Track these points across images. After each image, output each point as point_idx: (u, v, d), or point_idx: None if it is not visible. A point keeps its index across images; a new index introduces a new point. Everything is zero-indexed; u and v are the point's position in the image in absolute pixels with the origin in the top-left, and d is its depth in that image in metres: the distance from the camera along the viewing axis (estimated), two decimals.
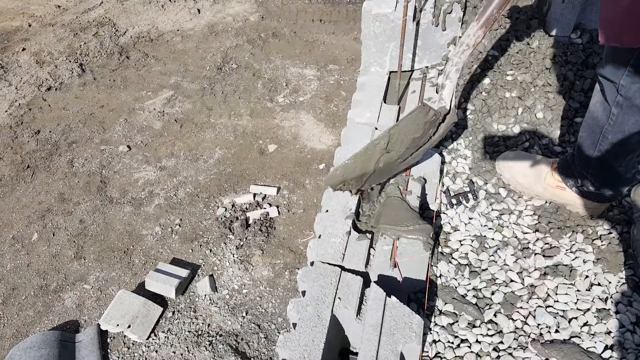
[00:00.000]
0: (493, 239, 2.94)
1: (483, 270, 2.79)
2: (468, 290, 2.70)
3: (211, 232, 3.80)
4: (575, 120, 3.46)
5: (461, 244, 2.96)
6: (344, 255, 2.64)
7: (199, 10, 6.62)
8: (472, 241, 2.96)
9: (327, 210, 3.04)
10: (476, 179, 3.33)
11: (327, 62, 5.48)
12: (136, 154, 4.57)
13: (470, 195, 3.25)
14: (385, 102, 4.00)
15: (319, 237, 2.84)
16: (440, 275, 2.82)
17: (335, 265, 2.60)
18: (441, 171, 3.33)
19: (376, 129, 3.66)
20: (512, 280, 2.70)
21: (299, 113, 4.82)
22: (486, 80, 3.73)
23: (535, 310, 2.49)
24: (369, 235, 2.81)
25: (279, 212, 3.89)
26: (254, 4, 6.64)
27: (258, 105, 4.94)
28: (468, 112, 3.72)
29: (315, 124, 4.67)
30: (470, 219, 3.11)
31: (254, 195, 4.01)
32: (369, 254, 2.71)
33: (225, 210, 3.92)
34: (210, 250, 3.67)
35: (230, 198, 4.01)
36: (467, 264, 2.84)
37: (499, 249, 2.87)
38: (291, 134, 4.59)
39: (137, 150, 4.61)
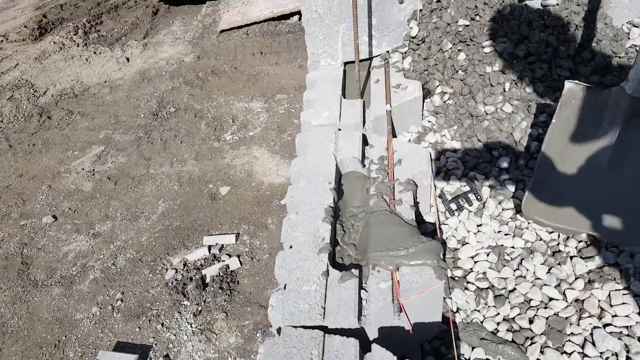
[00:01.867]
0: (513, 247, 2.40)
1: (510, 291, 2.23)
2: (498, 324, 2.11)
3: (161, 301, 3.09)
4: None
5: (475, 262, 2.39)
6: (324, 309, 2.01)
7: (127, 59, 6.06)
8: (488, 254, 2.40)
9: (290, 246, 2.40)
10: (475, 174, 2.78)
11: (274, 92, 4.98)
12: (64, 224, 3.84)
13: (472, 196, 2.67)
14: (345, 97, 3.47)
15: (284, 287, 2.20)
16: (458, 310, 2.22)
17: (313, 327, 1.97)
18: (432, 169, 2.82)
19: (339, 130, 3.10)
20: (551, 299, 2.13)
21: (251, 148, 4.24)
22: (461, 56, 3.24)
23: (592, 334, 1.92)
24: (356, 272, 2.17)
25: (240, 263, 3.23)
26: (187, 45, 6.15)
27: (204, 147, 4.34)
28: (446, 97, 3.23)
29: (270, 158, 4.09)
30: (479, 226, 2.55)
31: (209, 247, 3.34)
32: (359, 299, 2.08)
33: (176, 271, 3.22)
34: (162, 325, 2.95)
35: (181, 256, 3.33)
36: (488, 287, 2.27)
37: (523, 259, 2.33)
38: (245, 172, 3.99)
39: (65, 219, 3.88)
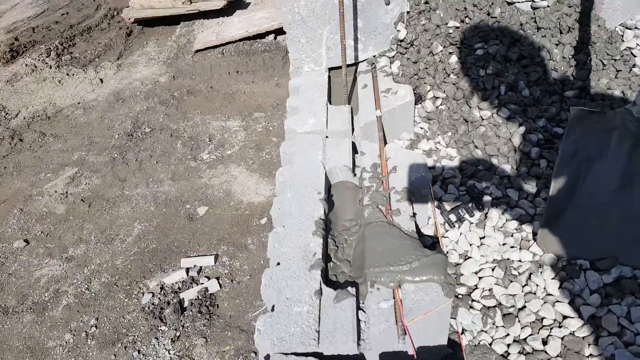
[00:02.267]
0: (520, 260, 2.27)
1: (520, 309, 2.10)
2: (509, 345, 1.97)
3: (137, 327, 3.00)
4: (566, 95, 2.97)
5: (479, 277, 2.26)
6: (318, 333, 1.85)
7: (101, 80, 5.98)
8: (494, 269, 2.26)
9: (278, 263, 2.23)
10: (474, 183, 2.63)
11: (251, 110, 4.97)
12: (36, 248, 3.72)
13: (472, 206, 2.54)
14: (330, 104, 3.34)
15: (272, 309, 2.04)
16: (464, 331, 2.09)
17: (307, 355, 1.82)
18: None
19: (327, 137, 2.98)
20: (565, 317, 2.02)
21: (229, 167, 4.20)
22: (452, 59, 3.16)
23: (613, 356, 1.83)
24: (352, 290, 2.00)
25: (220, 285, 3.16)
26: (162, 65, 6.11)
27: (180, 167, 4.28)
28: (439, 102, 3.12)
29: (248, 176, 4.06)
30: (482, 238, 2.41)
31: (187, 270, 3.27)
32: (358, 321, 1.93)
33: (153, 295, 3.14)
34: (139, 351, 2.86)
35: (158, 279, 3.25)
36: (495, 305, 2.13)
37: (532, 273, 2.21)
38: (223, 192, 3.94)
39: (37, 243, 3.76)
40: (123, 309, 3.13)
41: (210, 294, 3.11)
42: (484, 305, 2.18)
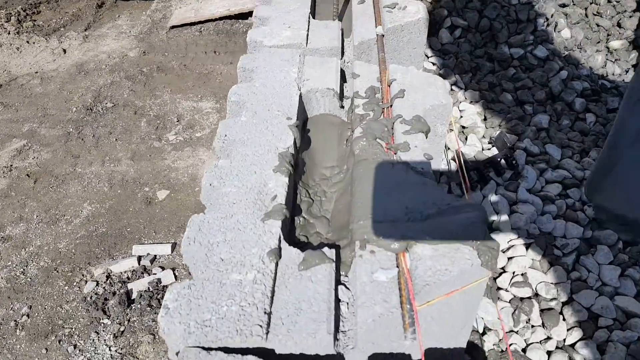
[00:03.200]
0: (565, 236, 1.73)
1: (565, 303, 1.57)
2: (550, 353, 1.48)
3: (76, 318, 2.62)
4: (610, 45, 2.47)
5: (508, 258, 1.71)
6: (269, 316, 1.24)
7: (64, 50, 5.52)
8: (528, 247, 1.70)
9: (210, 204, 1.57)
10: (504, 133, 2.04)
11: (227, 93, 4.60)
12: None
13: (503, 163, 1.95)
14: (313, 17, 2.66)
15: (195, 276, 1.42)
16: (485, 331, 1.56)
17: (245, 352, 1.19)
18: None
19: (303, 56, 2.28)
20: (630, 315, 1.49)
21: (197, 150, 3.84)
22: None
23: None
24: (331, 252, 1.39)
25: (176, 277, 2.81)
26: (133, 40, 5.69)
27: (142, 146, 3.90)
28: (458, 33, 2.57)
29: None
30: (513, 204, 1.84)
31: (139, 258, 2.90)
32: (337, 301, 1.34)
33: (97, 284, 2.76)
34: (75, 346, 2.48)
35: (104, 267, 2.87)
36: (531, 296, 1.63)
37: (581, 254, 1.68)
38: (188, 176, 3.58)
39: None
40: (61, 297, 2.75)
41: (164, 286, 2.75)
42: (514, 296, 1.68)
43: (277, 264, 1.39)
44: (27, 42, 5.74)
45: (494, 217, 1.91)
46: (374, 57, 2.33)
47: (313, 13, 2.72)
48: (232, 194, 1.58)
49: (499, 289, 1.76)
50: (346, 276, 1.45)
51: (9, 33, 5.90)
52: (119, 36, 5.81)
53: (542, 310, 1.67)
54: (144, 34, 5.76)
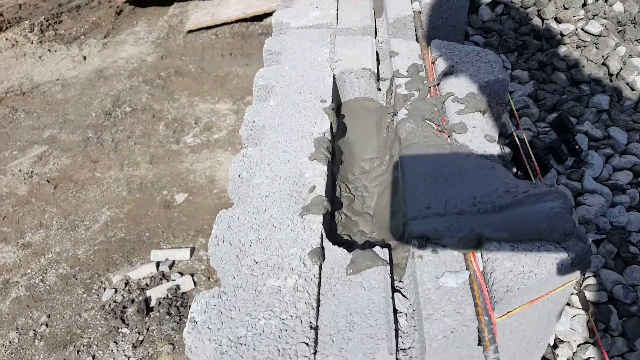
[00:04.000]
0: None
1: None
2: None
3: (94, 328, 2.56)
4: None
5: None
6: (315, 331, 1.04)
7: (84, 57, 5.54)
8: (600, 243, 1.53)
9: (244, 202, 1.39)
10: (565, 114, 1.80)
11: (244, 94, 4.55)
12: None
13: (564, 148, 1.75)
14: None
15: (225, 283, 1.24)
16: (558, 343, 1.36)
17: None
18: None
19: (334, 36, 2.13)
20: None
21: (214, 152, 3.77)
22: None
23: None
24: (384, 253, 1.20)
25: (195, 283, 2.73)
26: (151, 45, 5.68)
27: (160, 150, 3.85)
28: (500, 9, 2.38)
29: None
30: (579, 195, 1.68)
31: (157, 264, 2.83)
32: (395, 312, 1.13)
33: (116, 292, 2.70)
34: (94, 357, 2.42)
35: (123, 273, 2.81)
36: (607, 301, 1.46)
37: None
38: (206, 178, 3.51)
39: None
40: (80, 305, 2.69)
41: (182, 292, 2.67)
42: (587, 301, 1.52)
43: (320, 267, 1.18)
44: (49, 50, 5.79)
45: None
46: (411, 35, 2.14)
47: None
48: (263, 186, 1.39)
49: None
50: (400, 281, 1.23)
51: (32, 42, 5.97)
52: (137, 42, 5.81)
53: (621, 317, 1.49)
54: (161, 39, 5.75)
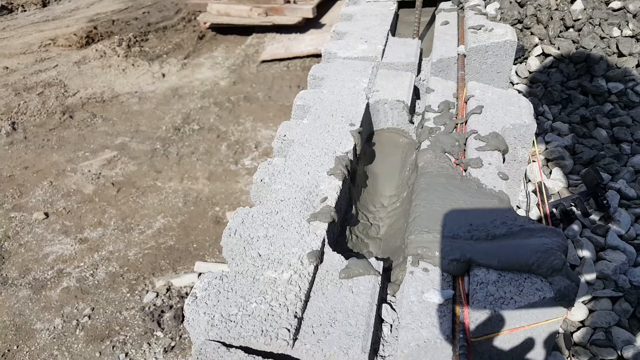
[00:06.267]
0: None
1: None
2: None
3: (132, 326, 2.66)
4: None
5: (590, 311, 1.52)
6: (299, 321, 1.15)
7: (163, 75, 5.93)
8: (615, 301, 1.53)
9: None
10: (596, 169, 1.83)
11: None
12: (53, 223, 3.50)
13: (589, 202, 1.78)
14: (393, 35, 2.60)
15: (230, 269, 1.32)
16: None
17: (266, 356, 1.11)
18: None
19: (377, 68, 2.23)
20: None
21: None
22: (576, 6, 2.28)
23: None
24: (378, 264, 1.28)
25: None
26: (226, 70, 6.01)
27: (219, 168, 4.01)
28: (548, 62, 2.33)
29: None
30: (601, 250, 1.67)
31: (200, 275, 2.92)
32: (379, 319, 1.21)
33: (157, 295, 2.80)
34: (127, 354, 2.51)
35: (166, 279, 2.91)
36: (615, 359, 1.44)
37: None
38: None
39: (56, 218, 3.55)
40: (122, 304, 2.81)
41: None
42: (594, 355, 1.48)
43: (316, 268, 1.28)
44: (133, 64, 6.25)
45: (576, 261, 1.68)
46: (453, 75, 2.21)
47: (393, 32, 2.69)
48: (281, 191, 1.53)
49: (575, 344, 1.54)
50: (394, 296, 1.30)
51: (118, 56, 6.48)
52: (213, 66, 6.16)
53: None
54: (236, 66, 6.07)
